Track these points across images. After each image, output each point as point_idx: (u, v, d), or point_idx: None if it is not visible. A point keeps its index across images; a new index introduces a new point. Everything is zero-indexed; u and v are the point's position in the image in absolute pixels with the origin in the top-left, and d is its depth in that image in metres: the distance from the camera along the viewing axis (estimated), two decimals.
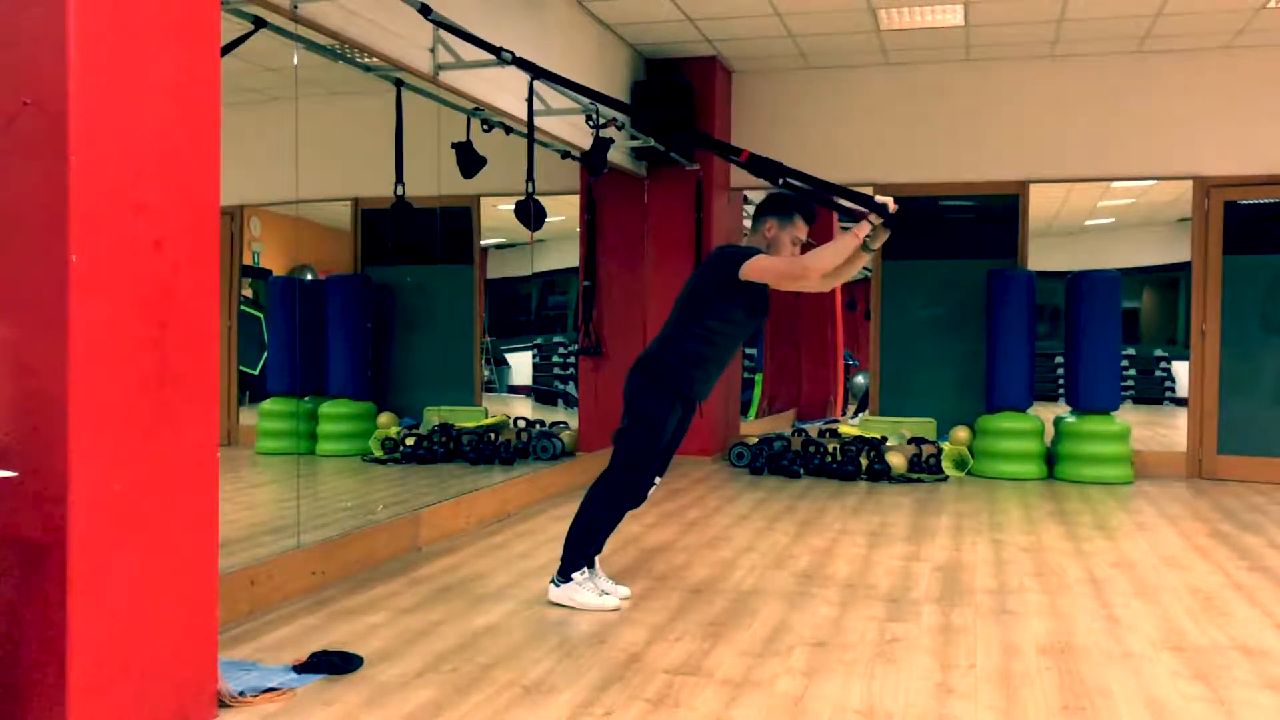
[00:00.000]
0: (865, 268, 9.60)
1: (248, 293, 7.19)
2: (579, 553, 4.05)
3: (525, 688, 3.14)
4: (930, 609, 4.09)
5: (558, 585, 4.05)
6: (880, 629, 3.80)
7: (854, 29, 7.60)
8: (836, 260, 3.78)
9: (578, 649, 3.53)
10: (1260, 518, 6.26)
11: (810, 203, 4.05)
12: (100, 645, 2.50)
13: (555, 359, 10.77)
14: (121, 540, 2.55)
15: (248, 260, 7.17)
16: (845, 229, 3.92)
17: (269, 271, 7.38)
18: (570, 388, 9.45)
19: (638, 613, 3.99)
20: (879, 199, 3.71)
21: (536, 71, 5.25)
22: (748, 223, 10.54)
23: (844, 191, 3.92)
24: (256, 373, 7.21)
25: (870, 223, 3.71)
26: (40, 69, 2.43)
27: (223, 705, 2.90)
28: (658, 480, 4.12)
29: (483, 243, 8.81)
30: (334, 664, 3.25)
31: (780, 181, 4.00)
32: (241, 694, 2.97)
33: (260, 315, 7.24)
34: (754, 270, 3.87)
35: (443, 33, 5.18)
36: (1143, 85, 7.99)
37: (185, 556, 2.76)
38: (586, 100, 6.30)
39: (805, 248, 4.03)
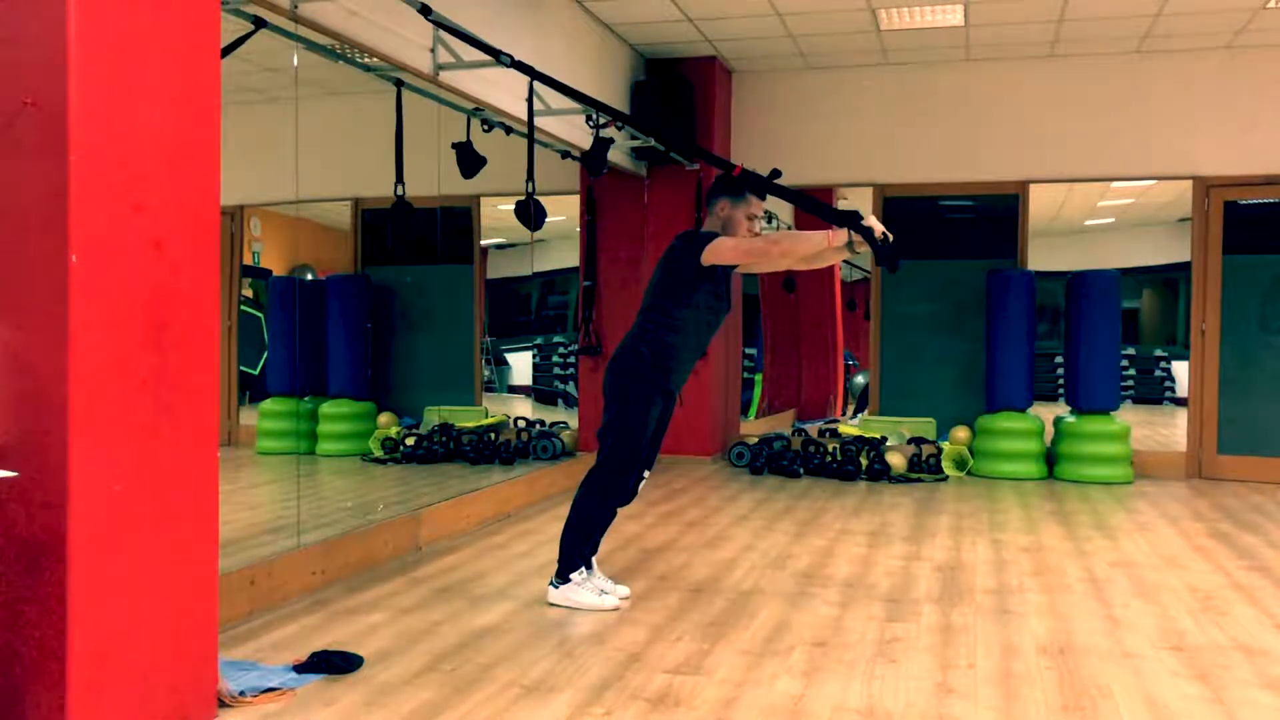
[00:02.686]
0: (864, 269, 9.62)
1: (248, 293, 7.19)
2: (574, 553, 4.05)
3: (525, 687, 3.14)
4: (930, 609, 4.09)
5: (556, 587, 4.05)
6: (880, 629, 3.80)
7: (854, 29, 7.61)
8: (802, 250, 3.81)
9: (577, 649, 3.53)
10: (1260, 518, 6.26)
11: (763, 184, 4.03)
12: (100, 645, 2.50)
13: (555, 359, 10.78)
14: (122, 540, 2.55)
15: (248, 260, 7.17)
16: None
17: (269, 271, 7.38)
18: (570, 388, 9.45)
19: (637, 612, 3.99)
20: (867, 221, 3.70)
21: (535, 75, 5.27)
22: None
23: (829, 209, 3.95)
24: (256, 372, 7.22)
25: (850, 238, 3.72)
26: (40, 68, 2.43)
27: (223, 705, 2.90)
28: (646, 475, 4.12)
29: (483, 243, 8.81)
30: (334, 664, 3.25)
31: (766, 194, 4.02)
32: (242, 694, 2.97)
33: (260, 315, 7.24)
34: (715, 253, 3.87)
35: (443, 33, 5.18)
36: (1143, 85, 7.99)
37: (185, 556, 2.76)
38: (582, 104, 6.30)
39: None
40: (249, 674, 3.16)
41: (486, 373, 8.97)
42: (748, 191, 4.01)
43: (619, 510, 4.17)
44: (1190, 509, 6.57)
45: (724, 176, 4.10)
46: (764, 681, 3.21)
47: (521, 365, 10.62)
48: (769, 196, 4.07)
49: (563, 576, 4.04)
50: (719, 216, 4.04)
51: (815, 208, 4.07)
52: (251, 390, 7.23)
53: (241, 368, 7.10)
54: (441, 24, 4.94)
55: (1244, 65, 7.79)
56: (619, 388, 4.00)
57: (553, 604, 4.04)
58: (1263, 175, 7.79)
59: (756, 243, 3.92)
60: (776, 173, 4.02)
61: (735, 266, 4.01)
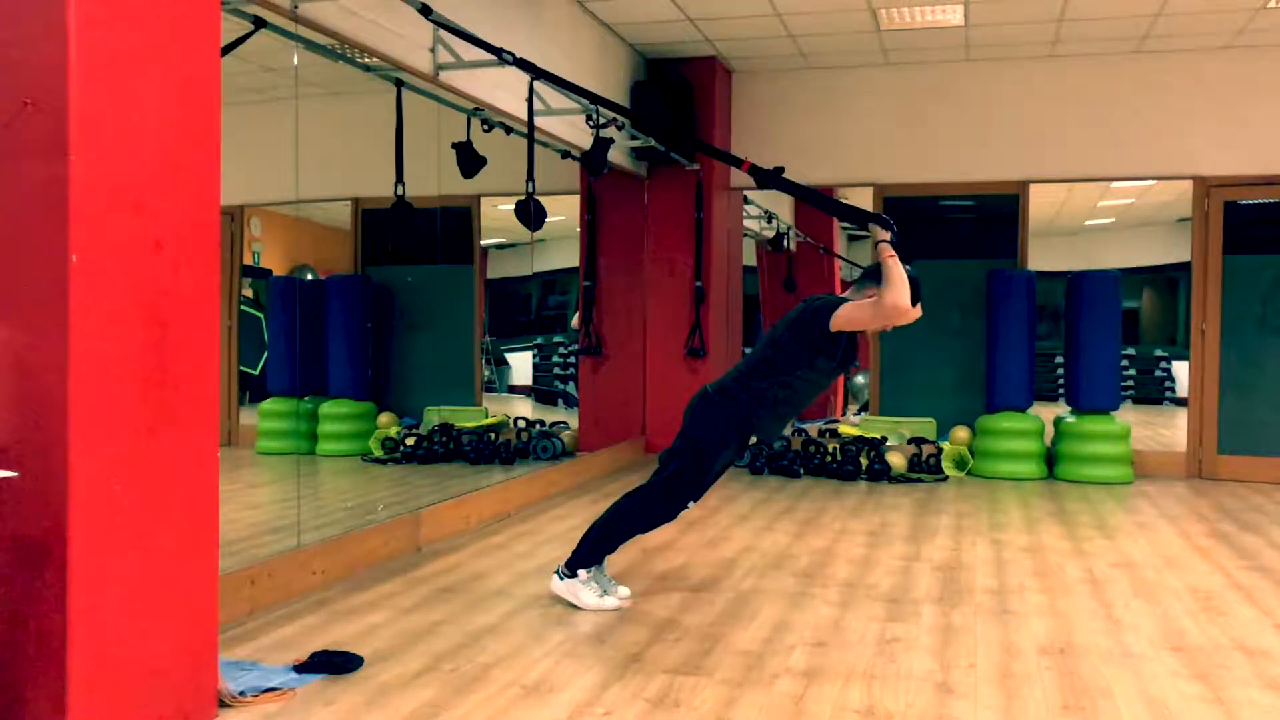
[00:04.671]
0: (863, 268, 9.62)
1: (248, 293, 7.19)
2: (594, 553, 4.05)
3: (526, 687, 3.14)
4: (930, 609, 4.09)
5: (562, 578, 4.05)
6: (880, 629, 3.80)
7: (854, 29, 7.61)
8: (905, 285, 3.79)
9: (578, 649, 3.53)
10: (1260, 518, 6.26)
11: (920, 286, 3.99)
12: (100, 645, 2.50)
13: (555, 359, 10.78)
14: (122, 540, 2.55)
15: (248, 260, 7.17)
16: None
17: (269, 271, 7.39)
18: (570, 387, 9.46)
19: (638, 612, 3.99)
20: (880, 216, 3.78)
21: (537, 72, 5.27)
22: (748, 222, 10.55)
23: (843, 206, 3.98)
24: (257, 372, 7.22)
25: (880, 239, 3.77)
26: (41, 69, 2.43)
27: (223, 705, 2.90)
28: (692, 505, 4.12)
29: (483, 243, 8.82)
30: (334, 664, 3.25)
31: (777, 187, 4.04)
32: (242, 694, 2.97)
33: (260, 315, 7.24)
34: (845, 320, 3.89)
35: (443, 32, 5.18)
36: (1142, 85, 7.99)
37: (186, 556, 2.76)
38: (587, 100, 6.30)
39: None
40: (249, 674, 3.16)
41: (487, 373, 8.97)
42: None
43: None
44: (1190, 509, 6.57)
45: (878, 267, 3.97)
46: (764, 682, 3.21)
47: (522, 365, 10.63)
48: (772, 189, 4.08)
49: (571, 569, 4.04)
50: (866, 298, 3.96)
51: (828, 205, 4.05)
52: (252, 390, 7.24)
53: (242, 368, 7.11)
54: (442, 24, 4.94)
55: (1244, 65, 7.79)
56: (704, 423, 3.99)
57: (554, 594, 4.04)
58: (1263, 175, 7.79)
59: (883, 309, 3.84)
60: (780, 169, 4.03)
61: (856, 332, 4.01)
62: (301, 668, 3.23)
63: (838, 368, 4.13)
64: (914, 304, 3.84)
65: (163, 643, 2.68)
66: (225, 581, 3.48)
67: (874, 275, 4.00)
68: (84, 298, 2.45)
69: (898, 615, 3.99)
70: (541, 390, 10.86)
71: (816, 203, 4.30)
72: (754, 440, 4.22)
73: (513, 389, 10.68)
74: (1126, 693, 3.16)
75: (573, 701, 3.02)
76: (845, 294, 4.13)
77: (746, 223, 10.29)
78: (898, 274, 3.80)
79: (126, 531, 2.57)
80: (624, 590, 4.18)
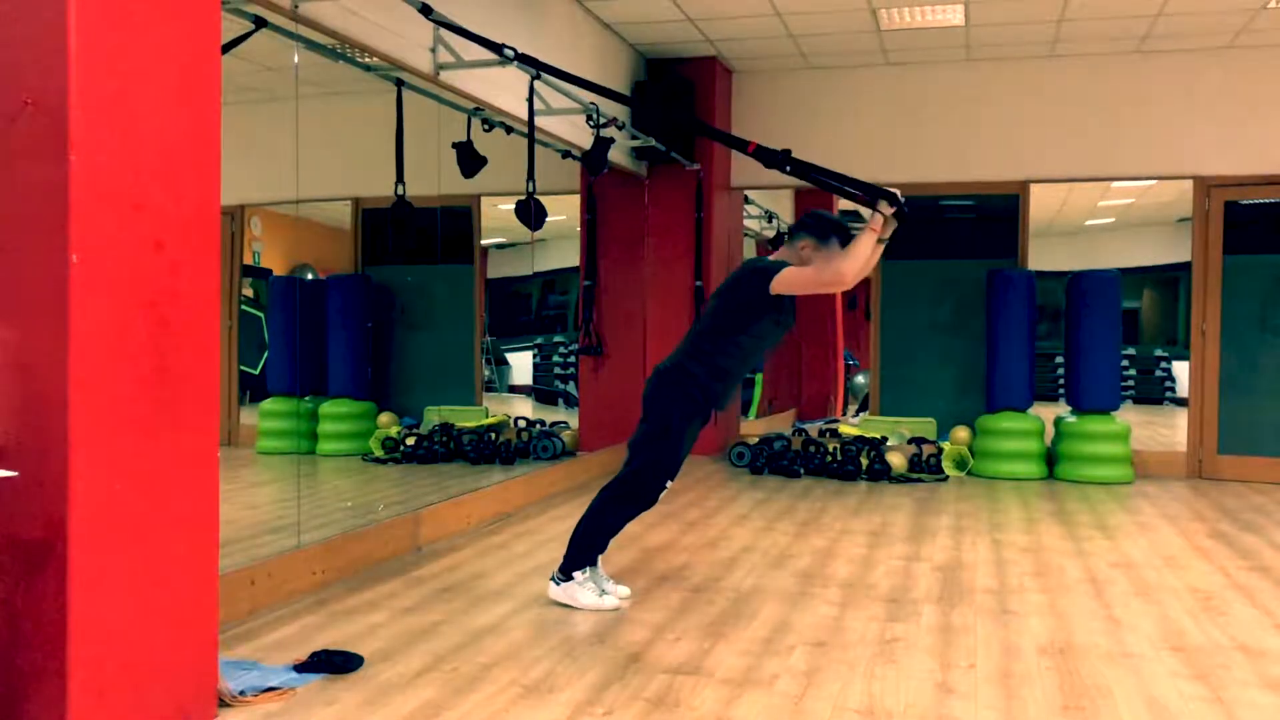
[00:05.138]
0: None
1: (248, 292, 7.19)
2: (584, 552, 4.05)
3: (525, 687, 3.14)
4: (930, 609, 4.09)
5: (558, 583, 4.05)
6: (880, 629, 3.80)
7: (854, 29, 7.60)
8: (864, 257, 3.79)
9: (578, 648, 3.53)
10: (1260, 518, 6.26)
11: (849, 229, 4.02)
12: (100, 645, 2.50)
13: (556, 359, 10.78)
14: (122, 539, 2.55)
15: (248, 260, 7.17)
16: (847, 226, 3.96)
17: (269, 271, 7.38)
18: (571, 387, 9.45)
19: (638, 612, 3.99)
20: (889, 189, 3.74)
21: (539, 67, 5.26)
22: (749, 222, 10.55)
23: (849, 180, 3.94)
24: (257, 372, 7.21)
25: (881, 213, 3.74)
26: (41, 68, 2.43)
27: (223, 705, 2.90)
28: (669, 485, 4.12)
29: (483, 242, 8.81)
30: (334, 664, 3.25)
31: (786, 169, 4.02)
32: (242, 693, 2.97)
33: (261, 315, 7.24)
34: (784, 283, 3.87)
35: (443, 32, 5.18)
36: (1143, 85, 7.99)
37: (185, 556, 2.76)
38: (587, 99, 6.30)
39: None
40: (249, 673, 3.16)
41: (487, 372, 8.97)
42: (835, 238, 4.00)
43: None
44: (1190, 509, 6.57)
45: (814, 215, 4.08)
46: (764, 681, 3.21)
47: (522, 365, 10.63)
48: (777, 173, 4.07)
49: (566, 573, 4.04)
50: (798, 254, 4.01)
51: (837, 180, 4.02)
52: (252, 390, 7.23)
53: (242, 367, 7.10)
54: (442, 23, 4.94)
55: (1244, 65, 7.79)
56: (663, 402, 4.00)
57: (553, 600, 4.04)
58: (1263, 175, 7.79)
59: (826, 273, 3.85)
60: (787, 152, 4.02)
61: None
62: (302, 667, 3.23)
63: (784, 330, 4.12)
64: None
65: (163, 642, 2.68)
66: (225, 581, 3.47)
67: (810, 229, 4.02)
68: (84, 298, 2.45)
69: (898, 615, 3.99)
70: (542, 390, 10.86)
71: (825, 181, 4.23)
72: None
73: (513, 389, 10.67)
74: (1126, 693, 3.16)
75: (572, 701, 3.02)
76: (777, 253, 4.11)
77: (746, 222, 10.29)
78: (863, 251, 3.77)
79: (127, 531, 2.57)
80: (623, 590, 4.18)
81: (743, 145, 4.10)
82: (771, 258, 4.08)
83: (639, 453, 4.03)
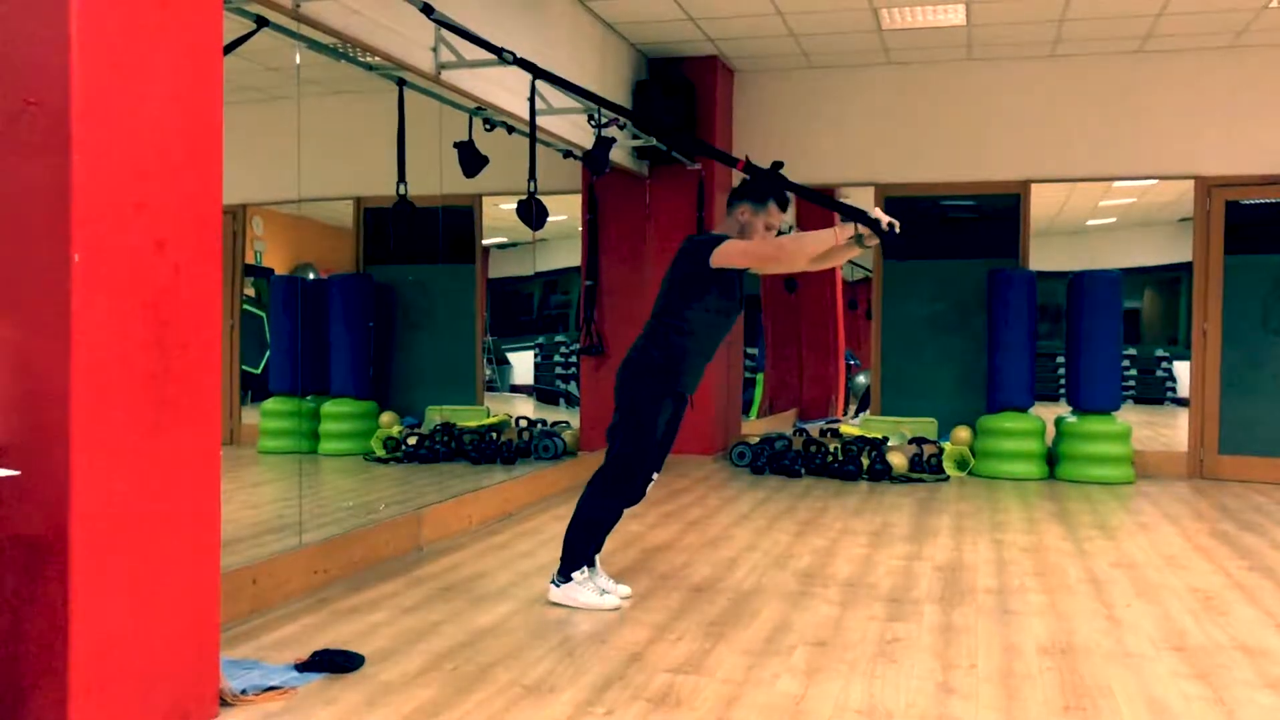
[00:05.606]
0: (865, 268, 9.65)
1: (250, 292, 7.19)
2: (578, 552, 4.05)
3: (526, 687, 3.14)
4: (931, 609, 4.09)
5: (558, 585, 4.05)
6: (881, 629, 3.80)
7: (855, 28, 7.60)
8: (814, 250, 3.80)
9: (579, 648, 3.53)
10: (1261, 518, 6.26)
11: (785, 190, 4.03)
12: (102, 643, 2.50)
13: (557, 358, 10.78)
14: (123, 539, 2.56)
15: (250, 259, 7.17)
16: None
17: (271, 271, 7.39)
18: (572, 387, 9.45)
19: (639, 612, 3.99)
20: (873, 213, 3.67)
21: (537, 72, 5.27)
22: None
23: (836, 203, 3.94)
24: (259, 371, 7.22)
25: (858, 232, 3.70)
26: (42, 68, 2.43)
27: (224, 704, 2.90)
28: (655, 477, 4.12)
29: (485, 242, 8.82)
30: (335, 663, 3.26)
31: (779, 184, 4.02)
32: (243, 692, 2.97)
33: (263, 314, 7.24)
34: (724, 256, 3.86)
35: (445, 32, 5.18)
36: (1144, 85, 7.99)
37: (187, 555, 2.76)
38: (585, 100, 6.30)
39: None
40: (251, 673, 3.16)
41: (488, 372, 8.97)
42: (771, 199, 4.00)
43: (624, 511, 4.18)
44: (1191, 509, 6.57)
45: (748, 182, 4.09)
46: (765, 681, 3.21)
47: (523, 365, 10.63)
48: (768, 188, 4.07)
49: (565, 575, 4.04)
50: (738, 220, 4.03)
51: (822, 202, 4.07)
52: (254, 389, 7.24)
53: (244, 367, 7.11)
54: (443, 23, 4.94)
55: (1246, 65, 7.78)
56: (629, 390, 4.00)
57: (553, 602, 4.04)
58: (1264, 175, 7.79)
59: (767, 246, 3.92)
60: (779, 164, 4.02)
61: (746, 269, 4.01)
62: (303, 666, 3.24)
63: (739, 304, 4.10)
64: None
65: (164, 641, 2.69)
66: (227, 580, 3.48)
67: (745, 194, 4.00)
68: (86, 297, 2.45)
69: (899, 615, 3.99)
70: (543, 390, 10.85)
71: (814, 201, 4.28)
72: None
73: (514, 388, 10.67)
74: (1128, 693, 3.16)
75: (573, 701, 3.02)
76: (720, 226, 4.10)
77: None
78: (815, 242, 3.76)
79: (128, 530, 2.57)
80: (624, 589, 4.18)
81: (733, 162, 4.10)
82: (718, 230, 4.08)
83: (614, 442, 4.03)
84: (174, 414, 2.69)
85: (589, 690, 3.11)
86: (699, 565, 4.79)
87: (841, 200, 3.94)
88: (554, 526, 5.66)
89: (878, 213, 3.68)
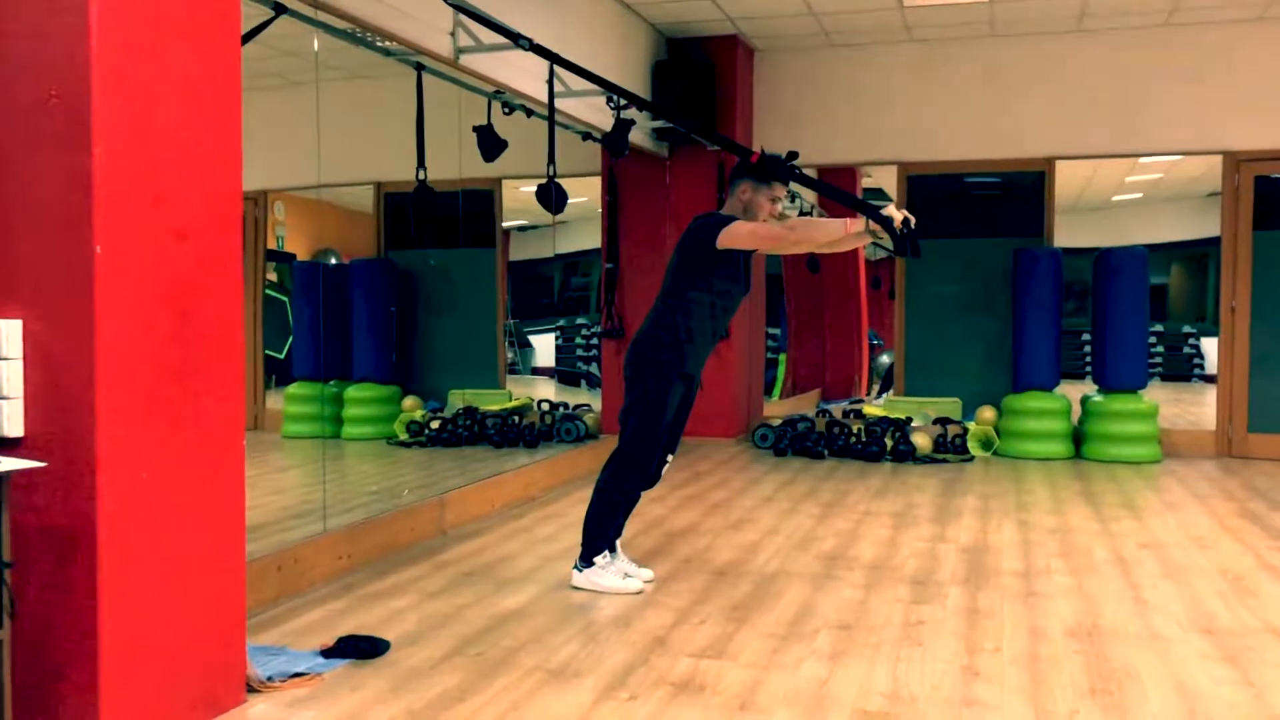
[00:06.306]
0: (888, 248, 9.63)
1: (273, 277, 7.22)
2: (598, 537, 4.06)
3: (550, 672, 3.15)
4: (956, 591, 4.07)
5: (580, 570, 4.06)
6: (906, 611, 3.79)
7: (877, 6, 7.52)
8: (822, 238, 3.80)
9: (602, 632, 3.54)
10: None
11: (790, 170, 4.00)
12: (130, 632, 2.53)
13: (579, 340, 10.79)
14: (150, 528, 2.58)
15: (272, 244, 7.20)
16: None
17: (293, 256, 7.41)
18: (594, 368, 9.46)
19: (662, 596, 3.99)
20: (887, 211, 3.64)
21: (554, 59, 5.25)
22: None
23: (849, 198, 3.92)
24: (282, 356, 7.26)
25: (869, 226, 3.67)
26: (63, 61, 2.44)
27: (251, 690, 2.93)
28: (670, 459, 4.12)
29: (505, 225, 8.82)
30: (361, 649, 3.28)
31: (795, 173, 3.99)
32: (270, 679, 3.00)
33: (285, 299, 7.27)
34: (731, 237, 3.85)
35: (463, 16, 5.16)
36: (1170, 59, 7.87)
37: (213, 544, 2.79)
38: (600, 87, 6.27)
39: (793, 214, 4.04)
40: (277, 659, 3.19)
41: (510, 355, 8.99)
42: (772, 177, 3.98)
43: (643, 493, 4.18)
44: (1219, 488, 6.51)
45: (747, 160, 4.08)
46: (789, 665, 3.21)
47: (545, 347, 10.65)
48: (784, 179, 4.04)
49: (586, 560, 4.06)
50: (740, 199, 4.02)
51: (834, 194, 4.05)
52: (277, 374, 7.28)
53: (267, 352, 7.15)
54: (460, 7, 4.92)
55: (1274, 38, 7.65)
56: (638, 371, 4.00)
57: (576, 587, 4.06)
58: None
59: (774, 229, 3.91)
60: (793, 154, 3.99)
61: (753, 250, 4.00)
62: (329, 652, 3.26)
63: (745, 285, 4.09)
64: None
65: (192, 629, 2.71)
66: (253, 568, 3.50)
67: (748, 172, 3.98)
68: (109, 289, 2.46)
69: (923, 598, 3.98)
70: (564, 371, 10.87)
71: (827, 194, 4.28)
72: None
73: (536, 370, 10.70)
74: (1155, 675, 3.14)
75: (597, 685, 3.03)
76: (725, 207, 4.08)
77: None
78: (825, 231, 3.75)
79: (154, 520, 2.59)
80: (646, 573, 4.19)
81: (747, 154, 4.08)
82: (722, 210, 4.06)
83: (627, 424, 4.04)
84: (197, 405, 2.71)
85: (612, 675, 3.12)
86: (722, 548, 4.79)
87: (859, 190, 3.91)
88: (576, 510, 5.66)
89: (891, 210, 3.65)
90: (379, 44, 5.21)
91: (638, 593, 4.00)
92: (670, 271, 4.04)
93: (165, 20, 2.61)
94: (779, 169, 3.95)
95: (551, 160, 5.32)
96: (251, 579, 3.40)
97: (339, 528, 4.43)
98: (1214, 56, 7.77)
